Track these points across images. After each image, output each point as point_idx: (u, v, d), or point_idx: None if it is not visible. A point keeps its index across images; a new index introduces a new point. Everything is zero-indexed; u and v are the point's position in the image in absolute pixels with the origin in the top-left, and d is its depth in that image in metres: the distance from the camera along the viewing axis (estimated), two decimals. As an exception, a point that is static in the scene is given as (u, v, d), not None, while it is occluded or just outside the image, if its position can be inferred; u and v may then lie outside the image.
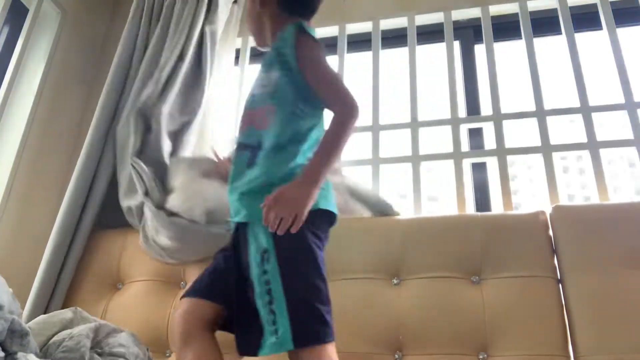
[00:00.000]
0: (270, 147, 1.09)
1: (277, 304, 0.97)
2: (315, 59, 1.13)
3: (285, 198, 0.98)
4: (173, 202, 1.64)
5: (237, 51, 2.19)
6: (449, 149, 1.82)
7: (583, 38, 1.94)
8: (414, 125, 1.87)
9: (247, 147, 1.13)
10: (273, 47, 1.21)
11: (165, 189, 1.73)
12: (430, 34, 2.11)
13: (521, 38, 1.93)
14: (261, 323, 0.97)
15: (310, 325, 0.97)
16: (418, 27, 2.05)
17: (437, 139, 2.00)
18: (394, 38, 2.14)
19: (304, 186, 1.00)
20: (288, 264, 1.00)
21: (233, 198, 1.12)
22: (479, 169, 1.87)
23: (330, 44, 2.14)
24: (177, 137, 1.86)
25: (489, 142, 1.85)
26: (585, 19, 1.97)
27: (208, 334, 1.04)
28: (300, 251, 1.02)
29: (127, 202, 1.76)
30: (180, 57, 1.90)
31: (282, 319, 0.95)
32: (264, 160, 1.09)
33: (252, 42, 2.21)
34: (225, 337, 1.17)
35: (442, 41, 2.00)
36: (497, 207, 1.73)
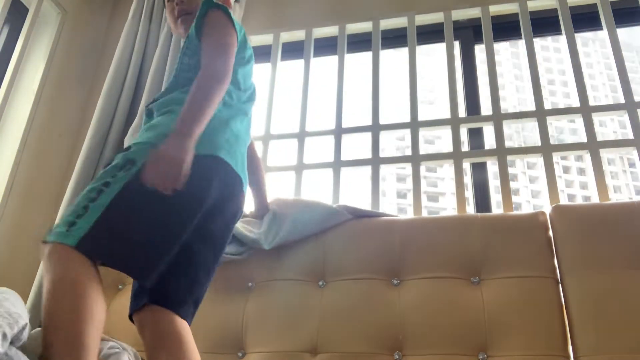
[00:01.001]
0: None
1: (96, 207, 0.94)
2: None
3: (159, 159, 0.96)
4: None
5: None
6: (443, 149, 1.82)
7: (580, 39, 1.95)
8: (414, 125, 1.87)
9: None
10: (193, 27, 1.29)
11: None
12: (430, 34, 2.12)
13: (521, 38, 1.93)
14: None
15: (105, 243, 0.93)
16: (418, 27, 2.05)
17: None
18: (394, 38, 2.14)
19: (173, 142, 0.98)
20: (140, 187, 0.95)
21: None
22: (479, 169, 1.87)
23: (330, 44, 2.15)
24: None
25: (489, 142, 1.86)
26: (585, 19, 1.97)
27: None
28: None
29: None
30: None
31: (87, 221, 0.93)
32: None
33: (253, 42, 2.23)
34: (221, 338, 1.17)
35: (442, 41, 2.00)
36: (497, 207, 1.73)
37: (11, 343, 0.97)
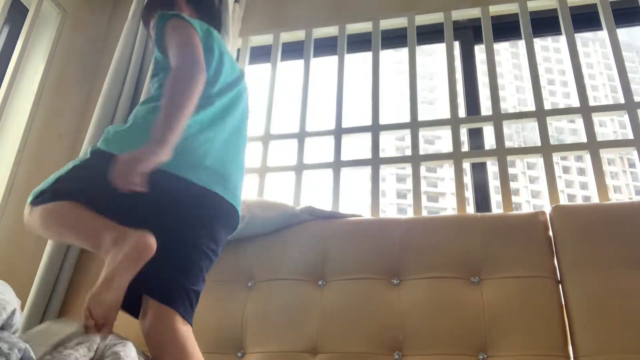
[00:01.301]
0: None
1: (50, 179, 1.16)
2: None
3: (120, 162, 1.02)
4: None
5: (238, 51, 2.19)
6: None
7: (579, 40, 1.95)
8: (414, 125, 1.87)
9: None
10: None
11: None
12: (430, 34, 2.12)
13: (521, 38, 1.93)
14: None
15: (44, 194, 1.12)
16: (418, 27, 2.05)
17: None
18: (394, 38, 2.14)
19: (144, 148, 1.03)
20: (80, 170, 1.16)
21: None
22: (479, 169, 1.87)
23: (330, 44, 2.15)
24: None
25: (489, 142, 1.85)
26: (585, 19, 1.97)
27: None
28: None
29: None
30: None
31: (39, 187, 1.15)
32: None
33: (253, 42, 2.23)
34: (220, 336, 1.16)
35: (442, 41, 2.00)
36: (497, 207, 1.73)
37: (3, 328, 0.98)
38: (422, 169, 1.84)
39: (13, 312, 1.01)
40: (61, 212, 1.10)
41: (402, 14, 2.08)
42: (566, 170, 33.22)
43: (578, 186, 32.73)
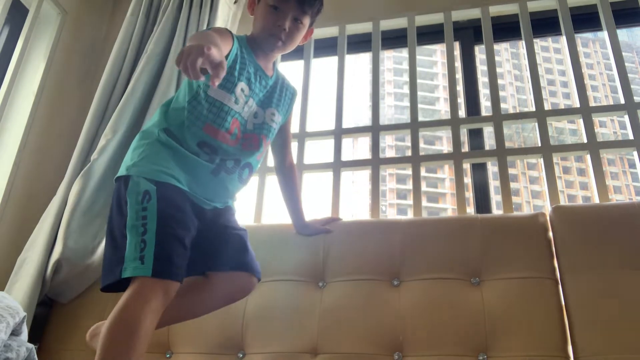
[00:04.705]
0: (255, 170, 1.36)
1: (149, 236, 1.10)
2: None
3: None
4: None
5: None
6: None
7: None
8: (414, 125, 1.87)
9: (248, 165, 1.32)
10: (292, 93, 1.44)
11: None
12: (430, 34, 2.12)
13: (521, 38, 1.93)
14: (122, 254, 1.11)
15: (168, 263, 1.09)
16: (418, 28, 2.05)
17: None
18: (394, 38, 2.14)
19: None
20: (165, 208, 1.14)
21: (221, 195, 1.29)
22: (479, 170, 1.87)
23: (330, 44, 2.14)
24: None
25: (489, 142, 1.85)
26: (585, 20, 1.97)
27: None
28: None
29: None
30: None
31: (149, 251, 1.09)
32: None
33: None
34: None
35: (442, 42, 2.00)
36: (497, 207, 1.73)
37: (12, 333, 1.02)
38: (422, 170, 1.84)
39: (23, 319, 1.05)
40: None
41: (402, 14, 2.08)
42: (566, 170, 33.23)
43: (578, 187, 32.75)
